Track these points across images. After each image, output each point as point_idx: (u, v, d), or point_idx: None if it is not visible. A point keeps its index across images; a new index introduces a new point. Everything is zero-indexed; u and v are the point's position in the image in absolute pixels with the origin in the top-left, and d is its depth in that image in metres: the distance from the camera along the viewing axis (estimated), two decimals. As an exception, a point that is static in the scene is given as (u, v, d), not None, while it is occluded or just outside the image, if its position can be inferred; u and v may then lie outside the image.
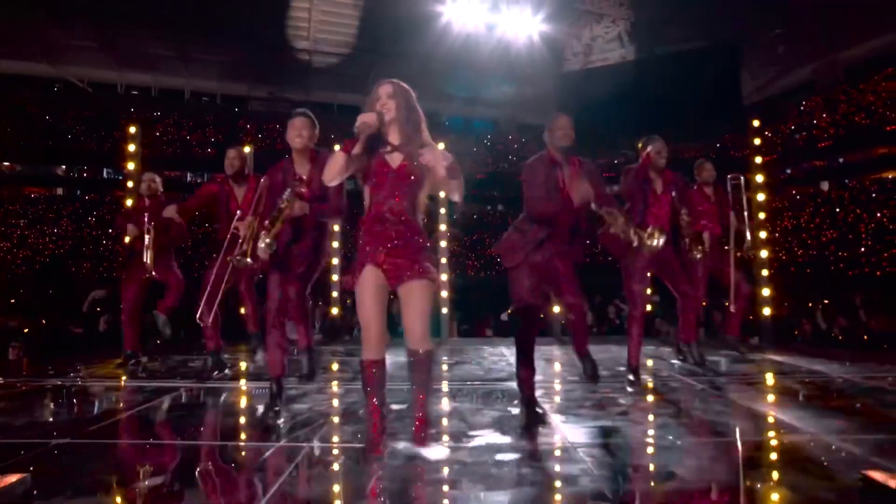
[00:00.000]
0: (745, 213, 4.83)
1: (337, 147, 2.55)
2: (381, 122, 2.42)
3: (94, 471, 2.42)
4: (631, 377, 4.02)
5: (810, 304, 7.47)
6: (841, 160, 16.71)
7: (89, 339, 7.83)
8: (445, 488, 2.17)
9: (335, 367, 5.25)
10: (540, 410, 3.16)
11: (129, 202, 5.81)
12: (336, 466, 2.45)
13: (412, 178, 2.47)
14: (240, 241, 3.45)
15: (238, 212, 3.87)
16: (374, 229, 2.47)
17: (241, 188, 4.37)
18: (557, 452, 2.58)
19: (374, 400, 2.47)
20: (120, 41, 16.66)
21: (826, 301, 7.84)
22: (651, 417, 3.20)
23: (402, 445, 2.65)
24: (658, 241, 3.36)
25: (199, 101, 19.20)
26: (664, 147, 4.02)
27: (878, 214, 13.99)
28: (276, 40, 17.36)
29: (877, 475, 1.94)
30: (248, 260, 3.27)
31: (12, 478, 2.02)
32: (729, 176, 4.99)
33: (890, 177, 15.01)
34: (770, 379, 4.42)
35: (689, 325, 4.41)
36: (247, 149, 6.19)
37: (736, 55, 15.28)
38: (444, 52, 15.72)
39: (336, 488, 2.23)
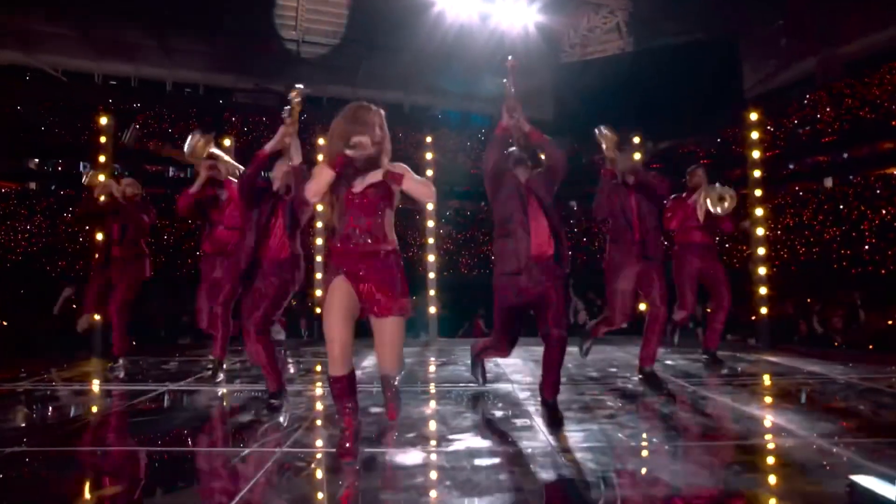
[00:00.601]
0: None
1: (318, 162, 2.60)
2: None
3: (51, 480, 2.39)
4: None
5: (809, 301, 7.50)
6: (845, 155, 16.80)
7: (64, 339, 7.76)
8: (420, 495, 2.15)
9: (318, 368, 5.23)
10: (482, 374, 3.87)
11: (102, 198, 5.73)
12: (308, 473, 2.43)
13: (380, 198, 2.51)
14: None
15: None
16: (344, 248, 2.50)
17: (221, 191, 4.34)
18: (539, 457, 2.56)
19: (346, 409, 2.51)
20: (97, 29, 16.52)
21: (823, 302, 7.89)
22: (638, 421, 3.19)
23: (377, 451, 2.64)
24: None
25: (181, 92, 19.07)
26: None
27: (883, 211, 14.07)
28: (262, 30, 17.28)
29: (863, 479, 1.94)
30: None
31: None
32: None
33: (895, 172, 15.09)
34: (765, 380, 4.43)
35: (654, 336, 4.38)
36: (227, 141, 6.14)
37: (735, 48, 15.35)
38: (437, 43, 15.70)
39: (307, 496, 2.20)
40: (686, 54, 16.06)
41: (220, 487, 2.28)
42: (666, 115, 15.14)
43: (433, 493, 2.17)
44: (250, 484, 2.24)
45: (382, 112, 2.58)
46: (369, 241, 2.50)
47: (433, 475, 2.35)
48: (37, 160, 16.92)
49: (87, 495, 2.22)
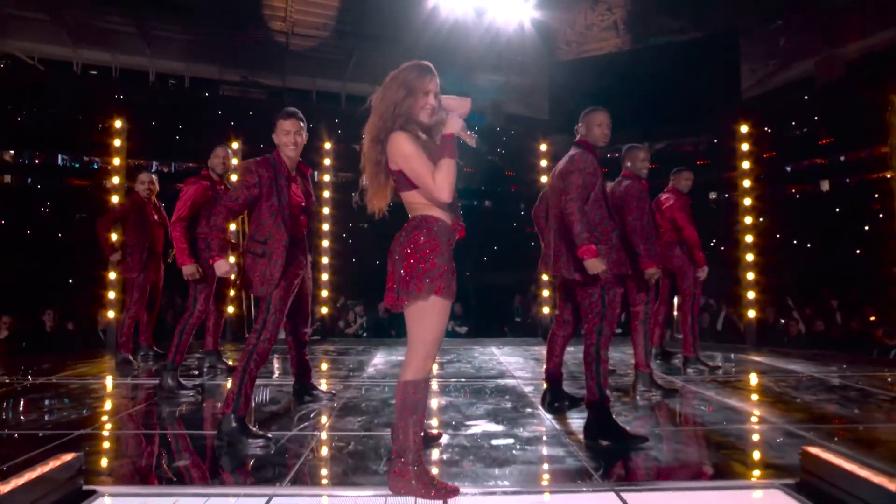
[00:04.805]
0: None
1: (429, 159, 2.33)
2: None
3: (128, 454, 2.93)
4: None
5: (793, 306, 8.19)
6: (842, 158, 17.62)
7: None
8: (451, 466, 2.71)
9: (324, 366, 5.75)
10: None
11: (114, 199, 6.25)
12: (349, 451, 2.97)
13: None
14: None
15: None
16: (450, 239, 2.39)
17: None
18: (548, 438, 3.15)
19: (422, 421, 2.38)
20: (73, 14, 16.68)
21: (804, 305, 8.57)
22: (632, 410, 3.79)
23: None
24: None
25: (165, 83, 19.41)
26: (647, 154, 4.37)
27: (881, 216, 14.84)
28: (249, 20, 17.67)
29: (814, 450, 2.53)
30: None
31: (68, 456, 2.51)
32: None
33: (889, 176, 15.89)
34: (753, 378, 5.06)
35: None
36: (234, 145, 6.65)
37: (734, 47, 16.09)
38: (431, 38, 16.20)
39: (352, 470, 2.75)
40: (684, 53, 16.78)
41: (278, 461, 2.82)
42: (663, 114, 15.84)
43: (462, 464, 2.72)
44: (301, 458, 2.79)
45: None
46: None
47: (458, 451, 2.91)
48: (12, 152, 17.16)
49: (162, 467, 2.75)
